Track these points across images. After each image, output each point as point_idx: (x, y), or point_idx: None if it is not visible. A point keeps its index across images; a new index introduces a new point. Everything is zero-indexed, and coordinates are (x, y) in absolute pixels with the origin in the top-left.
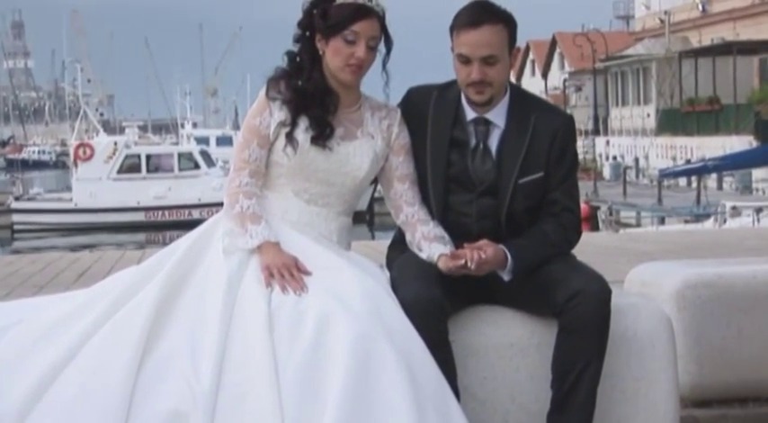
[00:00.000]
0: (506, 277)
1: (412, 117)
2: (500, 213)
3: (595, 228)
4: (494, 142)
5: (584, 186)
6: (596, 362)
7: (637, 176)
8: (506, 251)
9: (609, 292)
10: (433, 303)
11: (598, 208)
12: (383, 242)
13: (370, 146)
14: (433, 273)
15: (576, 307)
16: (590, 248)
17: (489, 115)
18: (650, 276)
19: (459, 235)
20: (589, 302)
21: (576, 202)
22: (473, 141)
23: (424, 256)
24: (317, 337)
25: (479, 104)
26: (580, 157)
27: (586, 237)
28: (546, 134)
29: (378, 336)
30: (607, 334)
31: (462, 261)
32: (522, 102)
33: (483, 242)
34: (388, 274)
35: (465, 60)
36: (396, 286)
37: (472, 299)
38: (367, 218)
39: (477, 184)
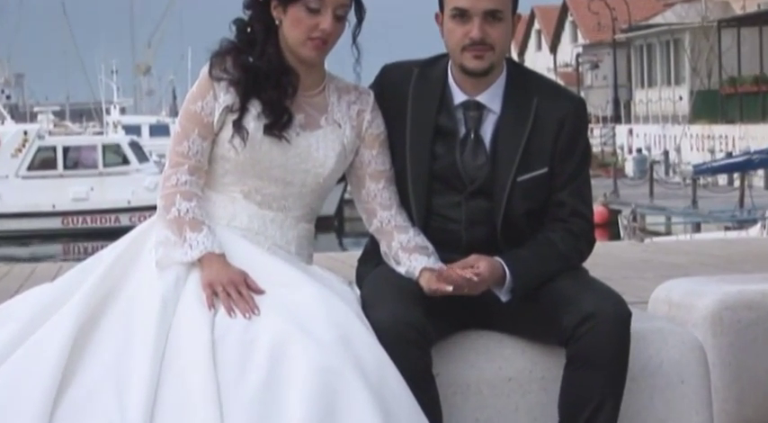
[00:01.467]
0: (504, 297)
1: (388, 101)
2: (495, 218)
3: (615, 236)
4: (487, 131)
5: (602, 185)
6: (612, 401)
7: (666, 173)
8: (504, 266)
9: (628, 314)
10: (414, 328)
11: (619, 212)
12: (354, 254)
13: (336, 136)
14: (413, 291)
15: (587, 333)
16: (608, 261)
17: (482, 98)
18: (680, 295)
19: (446, 245)
20: (604, 328)
21: (588, 205)
22: (462, 130)
23: (402, 270)
24: (270, 370)
25: (477, 74)
26: (597, 149)
27: (603, 247)
28: (551, 121)
29: (345, 369)
30: (626, 366)
31: (450, 288)
32: (522, 82)
33: (473, 258)
34: (358, 292)
35: (462, 16)
36: (368, 307)
37: (461, 323)
38: (334, 224)
39: (468, 182)
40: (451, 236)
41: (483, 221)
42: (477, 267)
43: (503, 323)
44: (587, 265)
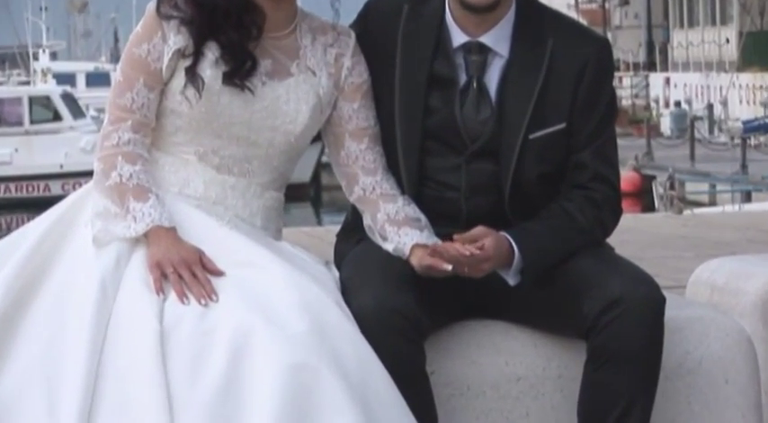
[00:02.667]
0: (512, 281)
1: (372, 43)
2: (502, 185)
3: (649, 207)
4: (493, 79)
5: (633, 146)
6: (642, 404)
7: (710, 131)
8: (512, 242)
9: (662, 300)
10: (404, 317)
11: (653, 178)
12: (332, 228)
13: (310, 86)
14: (402, 272)
15: (612, 323)
16: (638, 237)
17: (486, 39)
18: (726, 278)
19: (442, 217)
20: (632, 316)
21: (613, 168)
22: (462, 78)
23: (389, 247)
24: (230, 368)
25: (481, 9)
26: (626, 102)
27: (634, 220)
28: (570, 67)
29: (320, 365)
30: (659, 363)
31: (448, 266)
32: (535, 20)
33: (478, 230)
34: (337, 274)
35: None
36: (348, 292)
37: (461, 311)
38: (309, 193)
39: (469, 141)
40: (449, 206)
41: (487, 189)
42: (480, 243)
43: (511, 311)
44: (613, 241)
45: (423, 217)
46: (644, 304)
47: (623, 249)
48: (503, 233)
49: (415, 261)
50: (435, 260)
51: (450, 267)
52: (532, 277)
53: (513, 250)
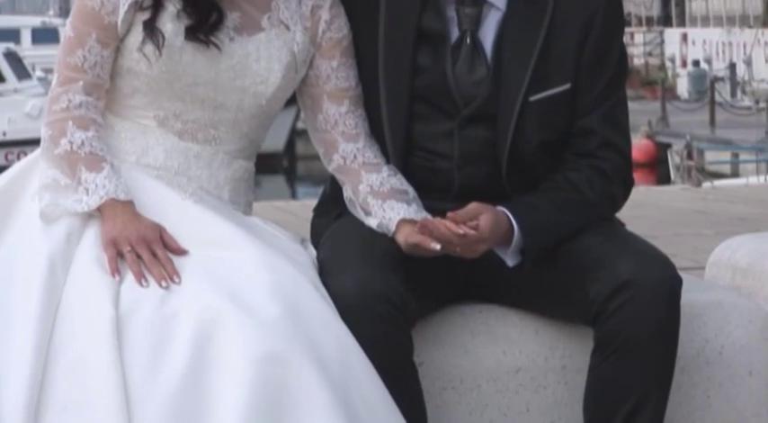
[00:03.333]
0: (511, 261)
1: None
2: (499, 153)
3: (664, 179)
4: (488, 34)
5: (646, 110)
6: (656, 398)
7: (732, 94)
8: (510, 218)
9: (678, 282)
10: (388, 301)
11: (668, 146)
12: (309, 203)
13: (283, 42)
14: (387, 251)
15: (623, 307)
16: (653, 212)
17: None
18: (749, 257)
19: (432, 189)
20: (645, 300)
21: (624, 135)
22: (455, 33)
23: (372, 223)
24: (194, 358)
25: None
26: (639, 61)
27: (648, 193)
28: (575, 21)
29: (294, 355)
30: (674, 352)
31: (437, 245)
32: None
33: (473, 207)
34: (314, 253)
35: None
36: (327, 274)
37: (453, 295)
38: (283, 164)
39: (462, 103)
40: (440, 177)
41: (482, 157)
42: (474, 222)
43: (509, 295)
44: (624, 217)
45: (410, 189)
46: (658, 287)
47: (635, 226)
48: (501, 208)
49: (401, 238)
50: (423, 238)
51: (438, 247)
52: (533, 257)
53: (513, 227)
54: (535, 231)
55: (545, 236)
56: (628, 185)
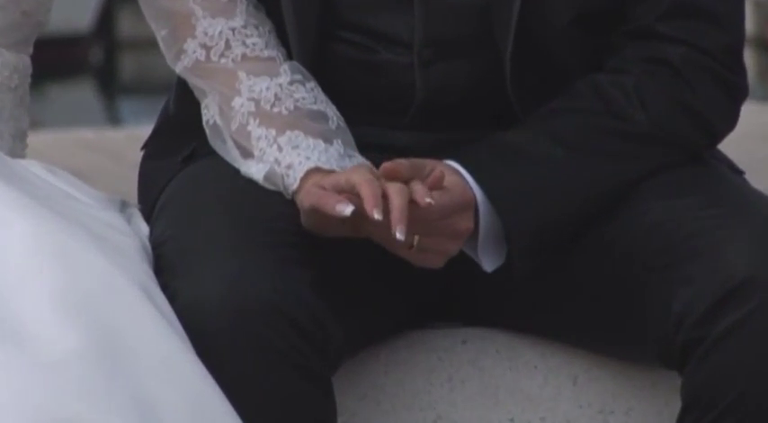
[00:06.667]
0: (487, 265)
1: None
2: (499, 33)
3: None
4: None
5: None
6: None
7: None
8: (468, 181)
9: None
10: (289, 321)
11: None
12: (138, 131)
13: None
14: (285, 229)
15: (738, 331)
16: None
17: None
18: None
19: (371, 106)
20: None
21: (734, 5)
22: None
23: (256, 173)
24: None
25: None
26: None
27: None
28: None
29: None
30: None
31: (346, 208)
32: None
33: (428, 162)
34: (145, 229)
35: None
36: (171, 269)
37: (416, 311)
38: (94, 58)
39: None
40: (386, 80)
41: (468, 43)
42: (436, 174)
43: (515, 312)
44: (737, 157)
45: (330, 109)
46: None
47: (758, 174)
48: (449, 163)
49: (307, 202)
50: (325, 194)
51: (349, 211)
52: (527, 256)
53: (474, 200)
54: (524, 208)
55: (551, 221)
56: (735, 98)
